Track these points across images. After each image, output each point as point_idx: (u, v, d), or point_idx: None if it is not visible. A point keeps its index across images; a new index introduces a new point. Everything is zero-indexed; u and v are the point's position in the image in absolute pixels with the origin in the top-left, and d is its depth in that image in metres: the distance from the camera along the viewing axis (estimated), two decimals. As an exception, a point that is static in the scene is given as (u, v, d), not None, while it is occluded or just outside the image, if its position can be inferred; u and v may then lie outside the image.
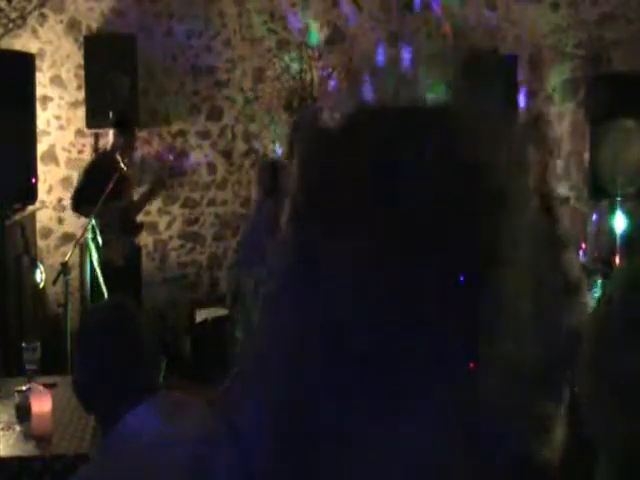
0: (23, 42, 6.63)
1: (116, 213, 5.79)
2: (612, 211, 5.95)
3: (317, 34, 6.94)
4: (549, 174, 0.71)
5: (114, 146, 5.90)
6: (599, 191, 6.17)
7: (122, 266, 5.86)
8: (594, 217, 6.33)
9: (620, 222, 5.81)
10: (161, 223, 6.99)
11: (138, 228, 6.27)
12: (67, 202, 6.78)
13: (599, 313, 0.99)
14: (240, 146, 7.02)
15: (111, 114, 6.23)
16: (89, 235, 5.67)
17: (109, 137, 5.97)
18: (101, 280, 5.78)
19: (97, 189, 5.42)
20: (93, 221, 5.50)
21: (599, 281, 4.94)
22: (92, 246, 5.78)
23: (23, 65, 5.83)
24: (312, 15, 6.93)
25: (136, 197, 6.17)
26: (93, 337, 1.94)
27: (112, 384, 1.88)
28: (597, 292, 4.91)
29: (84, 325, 2.05)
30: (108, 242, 5.69)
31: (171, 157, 6.88)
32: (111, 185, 5.39)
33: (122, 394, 1.85)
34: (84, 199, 5.64)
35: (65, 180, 6.79)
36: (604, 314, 0.99)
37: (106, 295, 5.68)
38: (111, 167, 5.70)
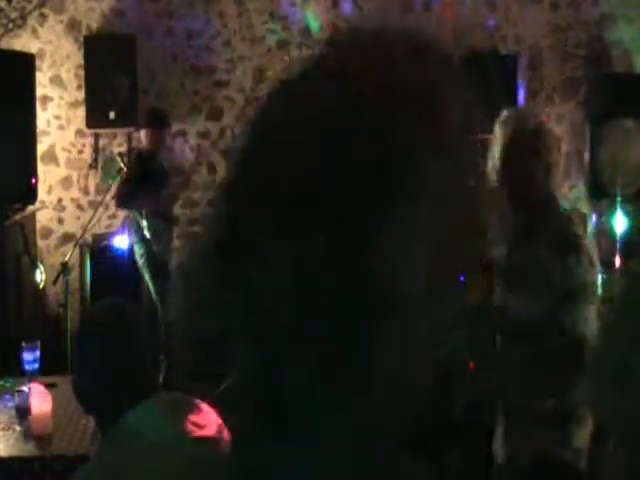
0: (23, 42, 6.62)
1: (159, 206, 5.96)
2: (612, 211, 5.95)
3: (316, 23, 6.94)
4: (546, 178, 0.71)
5: (149, 144, 6.07)
6: (599, 191, 6.17)
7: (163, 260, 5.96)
8: (594, 217, 6.33)
9: (620, 222, 5.81)
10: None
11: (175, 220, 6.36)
12: (67, 202, 6.79)
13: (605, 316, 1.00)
14: (240, 146, 7.02)
15: (112, 114, 6.25)
16: (135, 239, 5.85)
17: (141, 136, 6.10)
18: (149, 280, 5.89)
19: (139, 188, 5.78)
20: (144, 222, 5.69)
21: (599, 281, 4.94)
22: (137, 246, 5.89)
23: (23, 65, 5.83)
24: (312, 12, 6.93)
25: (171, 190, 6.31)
26: (91, 337, 1.93)
27: (111, 385, 1.88)
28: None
29: (83, 325, 2.05)
30: (159, 235, 5.85)
31: None
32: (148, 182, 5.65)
33: (121, 394, 1.85)
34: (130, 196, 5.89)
35: (65, 180, 6.79)
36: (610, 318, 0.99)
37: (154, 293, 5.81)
38: (149, 165, 5.94)
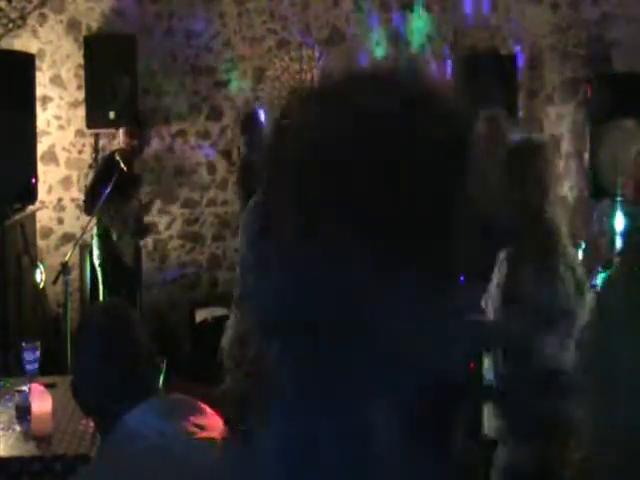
0: (23, 42, 6.62)
1: (130, 215, 5.85)
2: (612, 211, 5.95)
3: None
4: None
5: (123, 144, 6.00)
6: (599, 191, 6.17)
7: (127, 266, 5.89)
8: (594, 217, 6.33)
9: (620, 222, 5.80)
10: (161, 223, 6.99)
11: (147, 229, 6.33)
12: (67, 202, 6.79)
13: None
14: (240, 146, 7.01)
15: (112, 114, 6.24)
16: (94, 233, 5.75)
17: (119, 136, 6.03)
18: (100, 279, 5.82)
19: (104, 189, 5.54)
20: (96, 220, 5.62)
21: (599, 281, 4.94)
22: (95, 245, 5.83)
23: (23, 65, 5.83)
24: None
25: (143, 197, 6.24)
26: (90, 339, 1.93)
27: (110, 386, 1.87)
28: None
29: (81, 327, 2.05)
30: (120, 244, 5.76)
31: None
32: (111, 185, 5.44)
33: (121, 396, 1.85)
34: (94, 199, 5.68)
35: (65, 180, 6.79)
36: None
37: (102, 295, 5.72)
38: (116, 167, 5.77)
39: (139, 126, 6.10)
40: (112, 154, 6.03)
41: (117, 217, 5.76)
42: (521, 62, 6.80)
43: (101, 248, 5.85)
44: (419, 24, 6.92)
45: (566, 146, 6.95)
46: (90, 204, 5.73)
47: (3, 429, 3.18)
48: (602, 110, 6.12)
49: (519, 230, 2.71)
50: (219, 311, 6.50)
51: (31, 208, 6.27)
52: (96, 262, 5.92)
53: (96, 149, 6.71)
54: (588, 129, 6.40)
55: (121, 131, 6.05)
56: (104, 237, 5.82)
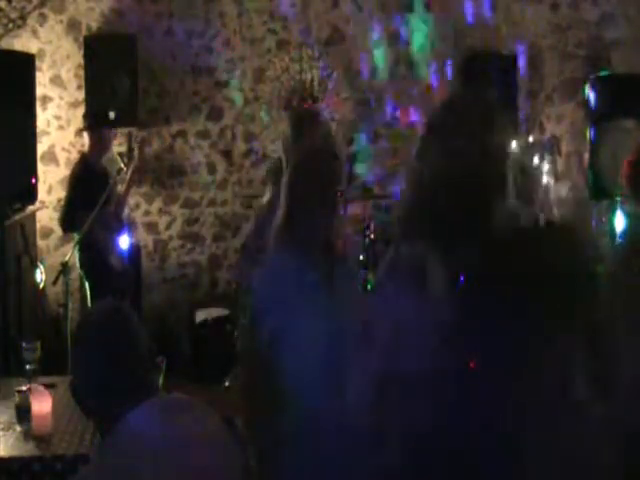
0: (23, 42, 6.63)
1: (110, 216, 5.69)
2: (612, 211, 5.95)
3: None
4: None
5: (94, 150, 5.75)
6: (599, 191, 6.17)
7: (114, 272, 5.72)
8: (594, 217, 6.33)
9: (620, 222, 5.80)
10: (161, 223, 6.99)
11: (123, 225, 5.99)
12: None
13: None
14: (240, 146, 7.02)
15: (112, 114, 6.20)
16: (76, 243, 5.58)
17: (84, 140, 5.83)
18: (88, 289, 5.71)
19: (89, 202, 5.21)
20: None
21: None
22: (77, 257, 5.72)
23: (23, 65, 5.83)
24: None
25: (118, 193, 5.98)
26: (89, 340, 1.93)
27: (110, 386, 1.87)
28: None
29: (80, 328, 2.04)
30: (106, 249, 5.66)
31: None
32: (107, 191, 5.32)
33: (120, 396, 1.85)
34: (77, 218, 5.36)
35: (65, 180, 6.77)
36: None
37: (89, 299, 5.64)
38: (97, 175, 5.65)
39: (105, 129, 5.87)
40: (83, 160, 5.79)
41: (99, 224, 5.48)
42: (521, 62, 6.80)
43: (84, 258, 5.66)
44: (419, 25, 6.93)
45: (566, 146, 6.95)
46: (74, 218, 5.41)
47: (3, 429, 3.18)
48: (602, 110, 6.12)
49: None
50: (219, 311, 6.51)
51: (31, 208, 6.27)
52: (80, 271, 5.73)
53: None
54: (588, 129, 6.40)
55: (85, 134, 5.87)
56: (87, 246, 5.46)
